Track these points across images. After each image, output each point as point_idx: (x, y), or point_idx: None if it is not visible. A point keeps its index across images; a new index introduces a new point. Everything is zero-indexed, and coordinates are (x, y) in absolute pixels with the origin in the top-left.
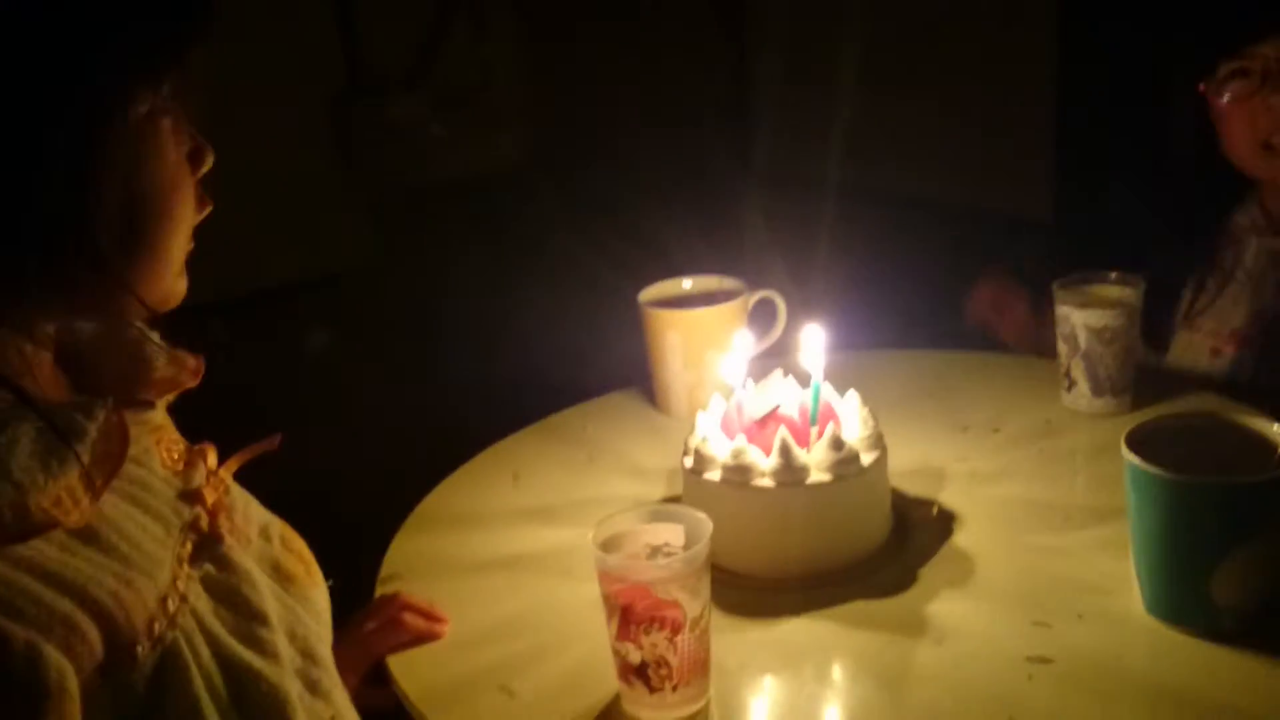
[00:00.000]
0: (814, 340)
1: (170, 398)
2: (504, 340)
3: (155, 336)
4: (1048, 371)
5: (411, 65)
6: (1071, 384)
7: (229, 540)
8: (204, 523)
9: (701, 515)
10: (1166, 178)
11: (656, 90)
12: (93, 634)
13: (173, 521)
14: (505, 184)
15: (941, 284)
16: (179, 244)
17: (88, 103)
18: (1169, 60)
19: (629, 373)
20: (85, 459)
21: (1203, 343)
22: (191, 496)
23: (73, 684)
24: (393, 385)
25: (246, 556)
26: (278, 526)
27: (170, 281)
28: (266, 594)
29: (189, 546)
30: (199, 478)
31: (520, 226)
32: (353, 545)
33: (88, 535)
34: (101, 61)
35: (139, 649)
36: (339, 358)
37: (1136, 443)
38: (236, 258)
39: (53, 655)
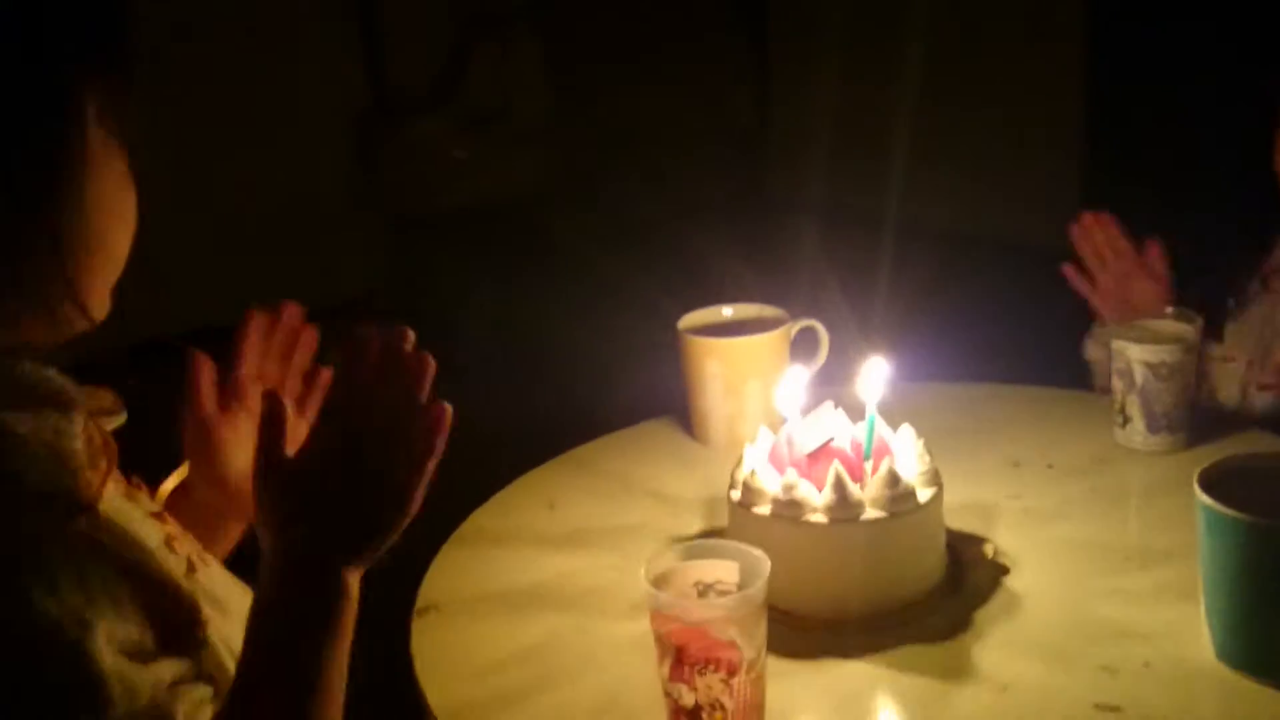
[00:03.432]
0: (874, 372)
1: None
2: (530, 366)
3: (54, 371)
4: (1099, 407)
5: (436, 87)
6: (1126, 420)
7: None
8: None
9: (758, 552)
10: (1207, 199)
11: (684, 112)
12: None
13: None
14: (531, 206)
15: (979, 317)
16: (127, 248)
17: (43, 107)
18: (1207, 88)
19: (663, 401)
20: (83, 454)
21: (1240, 372)
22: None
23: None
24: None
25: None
26: None
27: (108, 292)
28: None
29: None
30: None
31: (548, 249)
32: (386, 569)
33: None
34: (51, 63)
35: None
36: None
37: (1209, 484)
38: (252, 280)
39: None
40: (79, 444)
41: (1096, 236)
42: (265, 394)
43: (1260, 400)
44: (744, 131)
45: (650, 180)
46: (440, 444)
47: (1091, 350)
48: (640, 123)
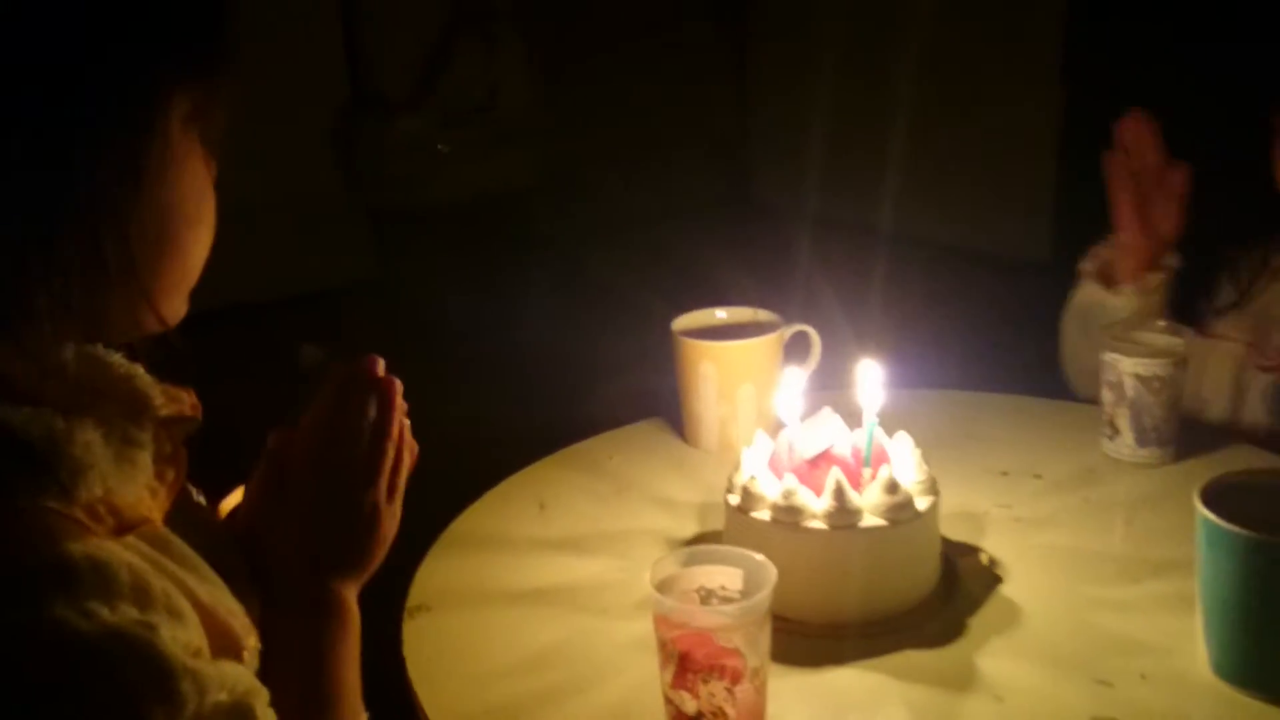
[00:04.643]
0: (870, 377)
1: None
2: (515, 363)
3: (140, 369)
4: (1086, 417)
5: (419, 82)
6: (1115, 432)
7: None
8: None
9: (762, 559)
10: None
11: (667, 111)
12: None
13: None
14: (516, 202)
15: (963, 325)
16: (204, 254)
17: (126, 105)
18: (1182, 102)
19: (651, 400)
20: (150, 464)
21: (1237, 352)
22: None
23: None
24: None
25: None
26: None
27: (184, 297)
28: None
29: None
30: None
31: (534, 245)
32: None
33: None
34: (140, 58)
35: None
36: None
37: (1209, 499)
38: (228, 271)
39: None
40: (147, 454)
41: (1139, 140)
42: (275, 432)
43: (1259, 381)
44: (725, 134)
45: (634, 178)
46: (407, 463)
47: (1086, 264)
48: (624, 121)
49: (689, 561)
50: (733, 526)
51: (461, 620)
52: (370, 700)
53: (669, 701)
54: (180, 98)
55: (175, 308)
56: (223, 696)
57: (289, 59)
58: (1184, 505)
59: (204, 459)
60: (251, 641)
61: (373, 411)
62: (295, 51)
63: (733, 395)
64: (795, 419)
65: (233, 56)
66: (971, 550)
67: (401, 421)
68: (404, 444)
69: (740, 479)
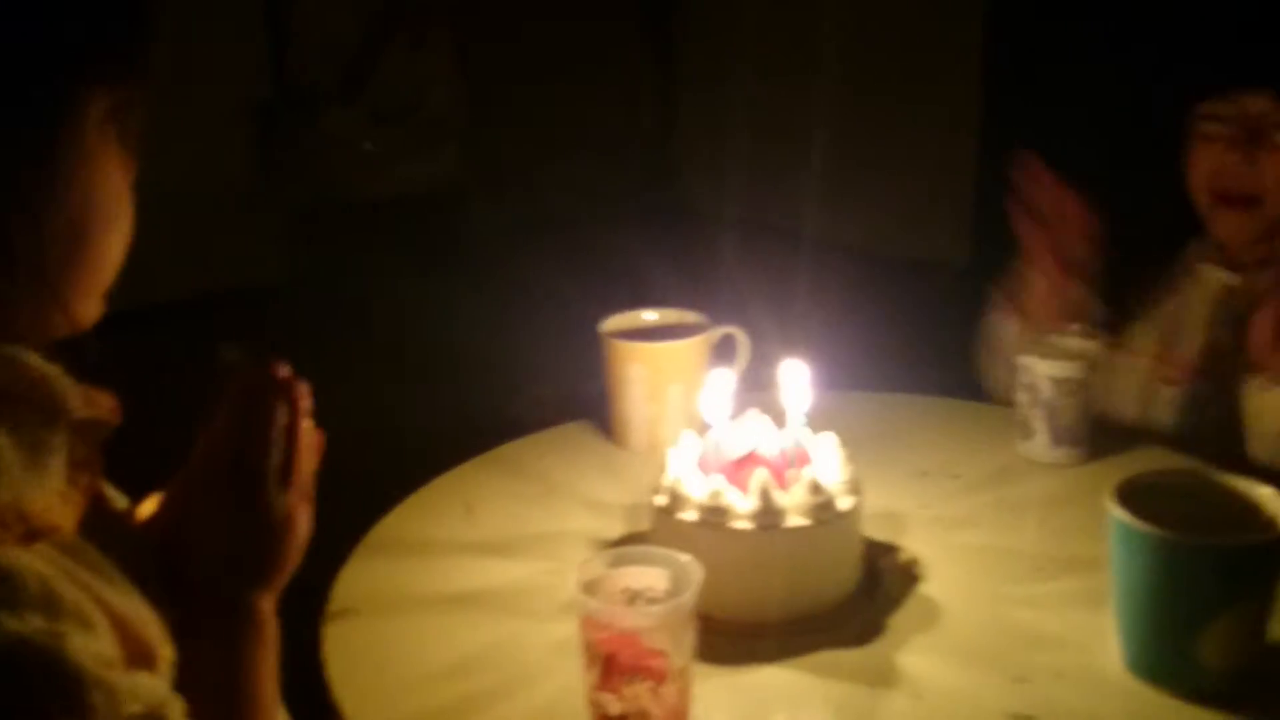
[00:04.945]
0: (796, 378)
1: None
2: (442, 363)
3: (58, 370)
4: (998, 418)
5: (346, 79)
6: (1030, 433)
7: None
8: None
9: (688, 559)
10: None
11: (594, 113)
12: None
13: None
14: (443, 201)
15: (882, 327)
16: (120, 255)
17: (41, 105)
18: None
19: (578, 402)
20: (62, 469)
21: (1148, 368)
22: None
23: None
24: (324, 406)
25: None
26: None
27: (98, 299)
28: None
29: None
30: None
31: (460, 244)
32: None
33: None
34: (56, 56)
35: None
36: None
37: (1122, 499)
38: (140, 268)
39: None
40: (59, 459)
41: (1042, 190)
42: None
43: (1165, 394)
44: (650, 136)
45: (560, 179)
46: (313, 465)
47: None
48: (550, 122)
49: (615, 563)
50: (659, 527)
51: (385, 625)
52: (292, 707)
53: (593, 704)
54: (98, 98)
55: (88, 309)
56: (136, 708)
57: (208, 49)
58: (1096, 504)
59: (123, 461)
60: (166, 651)
61: (282, 418)
62: (215, 42)
63: (661, 396)
64: (722, 420)
65: (152, 57)
66: (892, 549)
67: (307, 424)
68: (306, 446)
69: (667, 480)
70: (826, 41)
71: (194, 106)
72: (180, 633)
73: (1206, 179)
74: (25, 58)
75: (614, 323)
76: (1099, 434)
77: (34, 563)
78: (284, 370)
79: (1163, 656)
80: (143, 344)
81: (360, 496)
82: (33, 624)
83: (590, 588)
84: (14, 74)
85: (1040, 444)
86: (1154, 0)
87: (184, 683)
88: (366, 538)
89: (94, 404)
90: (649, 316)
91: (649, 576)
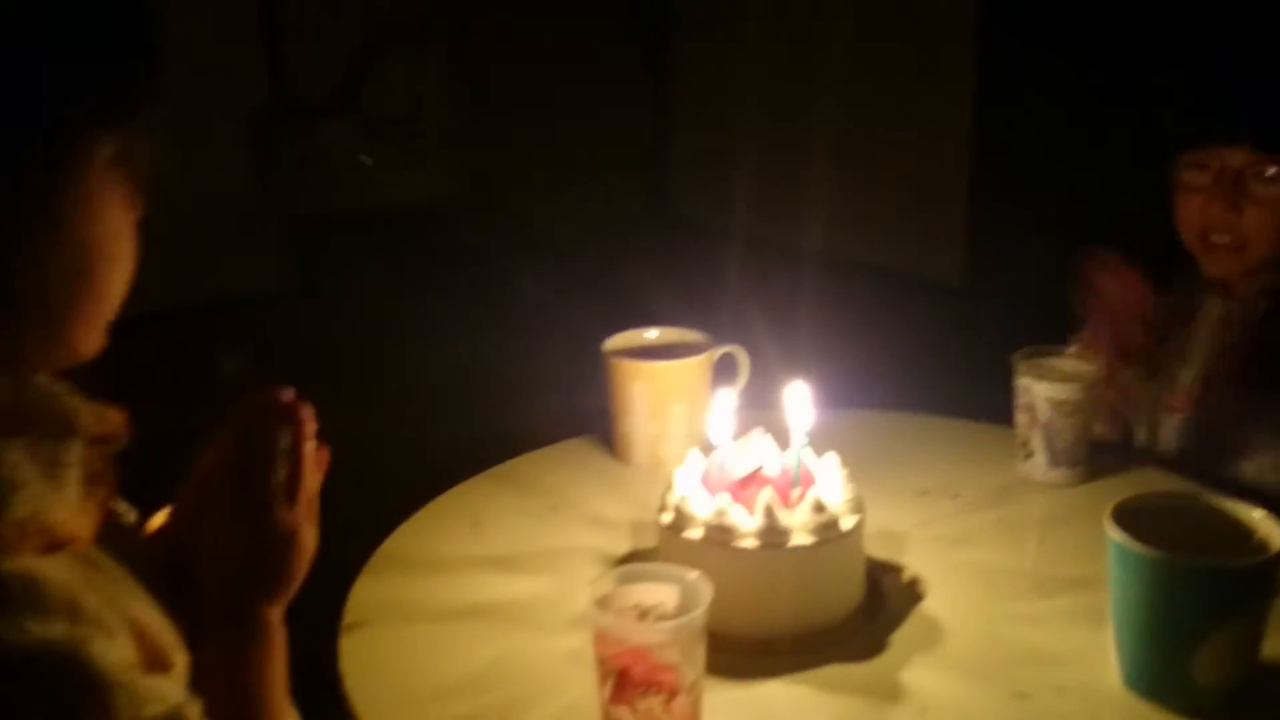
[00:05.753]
0: (799, 398)
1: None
2: (438, 378)
3: (66, 388)
4: (999, 437)
5: (343, 92)
6: (1029, 454)
7: None
8: None
9: (697, 576)
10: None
11: (589, 129)
12: None
13: None
14: (440, 214)
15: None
16: (122, 291)
17: (47, 150)
18: (1090, 142)
19: (580, 416)
20: (79, 483)
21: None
22: None
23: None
24: (329, 419)
25: None
26: None
27: (100, 331)
28: None
29: None
30: None
31: (458, 258)
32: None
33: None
34: (63, 102)
35: None
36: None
37: (1120, 520)
38: (153, 278)
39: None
40: (75, 474)
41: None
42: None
43: (1166, 420)
44: (648, 153)
45: (557, 194)
46: (316, 483)
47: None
48: (548, 137)
49: (626, 580)
50: (666, 545)
51: (398, 637)
52: (306, 717)
53: (607, 717)
54: (104, 142)
55: (90, 342)
56: (157, 710)
57: (205, 60)
58: (1094, 524)
59: (130, 473)
60: (180, 658)
61: (286, 440)
62: (212, 53)
63: (664, 414)
64: (726, 439)
65: (160, 102)
66: (894, 568)
67: (311, 443)
68: (310, 465)
69: (673, 498)
70: (825, 62)
71: (191, 117)
72: (190, 641)
73: (1194, 225)
74: (33, 104)
75: (616, 341)
76: (1096, 455)
77: (56, 571)
78: (288, 395)
79: (1159, 673)
80: (138, 352)
81: (368, 512)
82: (57, 629)
83: (602, 604)
84: (21, 120)
85: (1038, 464)
86: (1144, 33)
87: (195, 689)
88: (377, 553)
89: (104, 420)
90: (651, 335)
91: (659, 593)
